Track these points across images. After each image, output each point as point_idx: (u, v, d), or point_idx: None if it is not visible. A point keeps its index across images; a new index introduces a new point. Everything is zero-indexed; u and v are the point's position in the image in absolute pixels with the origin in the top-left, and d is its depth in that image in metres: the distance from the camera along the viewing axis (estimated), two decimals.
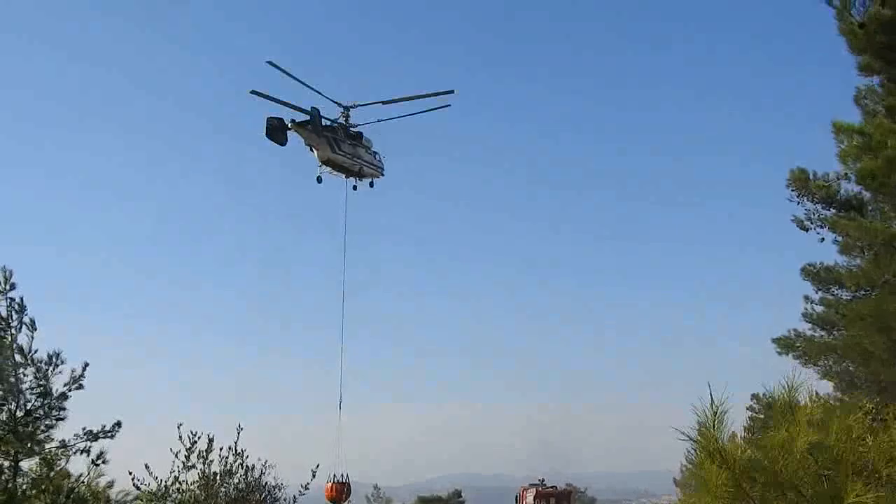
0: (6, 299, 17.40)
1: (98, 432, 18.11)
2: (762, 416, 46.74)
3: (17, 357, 17.37)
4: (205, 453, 18.54)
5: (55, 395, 17.59)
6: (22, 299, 17.64)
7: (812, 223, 24.61)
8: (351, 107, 29.77)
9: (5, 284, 17.38)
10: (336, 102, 29.57)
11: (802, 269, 25.56)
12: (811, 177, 24.57)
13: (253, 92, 26.86)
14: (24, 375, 17.40)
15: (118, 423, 18.41)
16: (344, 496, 26.45)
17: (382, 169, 31.91)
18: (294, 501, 19.53)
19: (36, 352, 17.71)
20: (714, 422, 7.66)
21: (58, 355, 17.75)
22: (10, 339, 17.41)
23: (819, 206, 24.63)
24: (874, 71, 17.59)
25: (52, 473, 17.00)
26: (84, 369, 17.90)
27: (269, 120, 27.50)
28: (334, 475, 26.39)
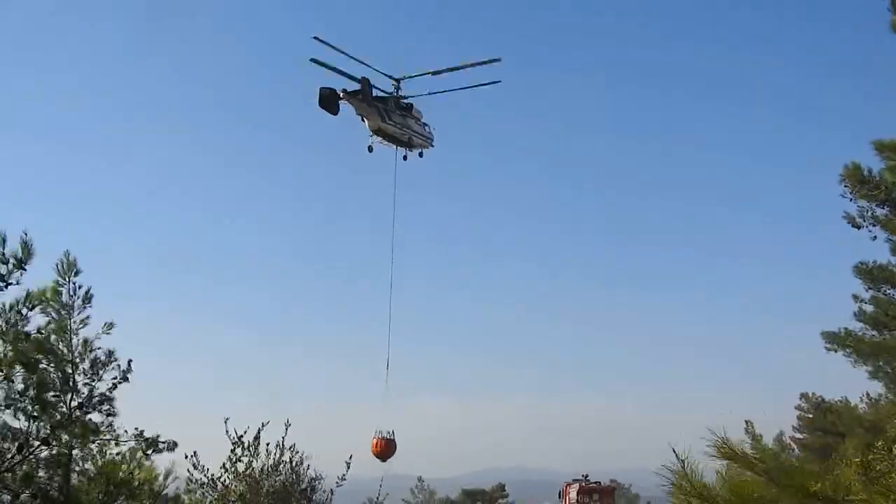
0: (70, 284, 17.55)
1: (153, 441, 18.27)
2: (811, 416, 46.26)
3: (78, 348, 17.51)
4: (251, 447, 18.78)
5: (104, 389, 17.76)
6: (89, 290, 17.74)
7: (864, 221, 24.27)
8: (402, 79, 30.27)
9: (69, 270, 17.53)
10: (387, 75, 30.07)
11: (855, 267, 25.23)
12: (865, 174, 24.21)
13: (313, 60, 27.51)
14: (80, 366, 17.52)
15: (175, 443, 18.51)
16: (389, 452, 26.74)
17: (432, 140, 32.41)
18: (332, 494, 19.62)
19: (97, 347, 17.82)
20: (685, 465, 7.47)
21: (111, 353, 17.94)
22: (69, 326, 17.55)
23: (872, 204, 24.27)
24: None
25: (102, 462, 17.27)
26: (129, 364, 18.05)
27: (322, 90, 27.98)
28: (379, 431, 26.74)
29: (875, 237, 24.27)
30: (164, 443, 18.35)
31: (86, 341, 17.78)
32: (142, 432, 18.17)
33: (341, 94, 28.19)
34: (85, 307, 17.82)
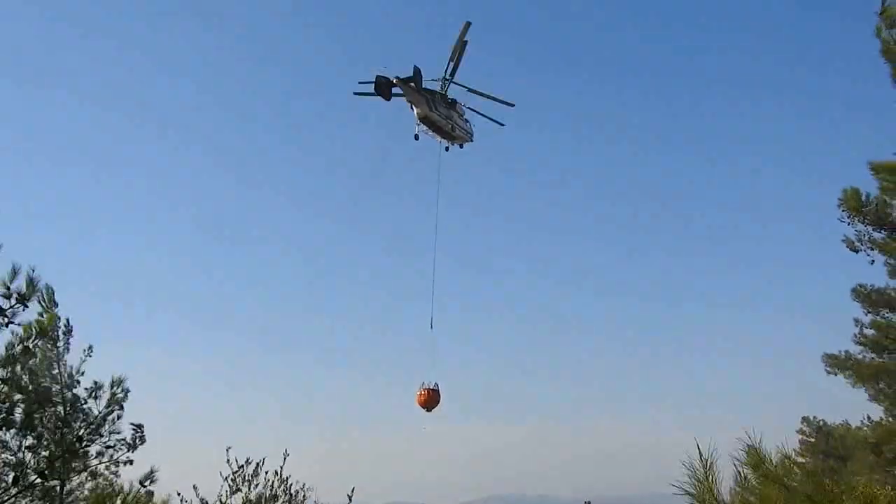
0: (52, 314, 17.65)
1: (134, 438, 18.29)
2: (813, 440, 46.12)
3: (66, 379, 17.57)
4: (251, 477, 18.54)
5: (98, 418, 17.81)
6: (69, 321, 17.89)
7: (862, 245, 24.42)
8: (448, 80, 32.94)
9: (50, 302, 17.61)
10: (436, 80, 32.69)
11: (853, 290, 25.36)
12: (863, 199, 24.39)
13: (356, 94, 30.78)
14: (71, 397, 17.59)
15: (140, 427, 18.60)
16: (433, 402, 27.53)
17: (472, 135, 34.81)
18: None
19: (83, 374, 17.92)
20: (707, 475, 7.29)
21: (118, 382, 18.09)
22: (56, 359, 17.62)
23: (870, 229, 24.43)
24: None
25: (98, 491, 17.18)
26: (126, 393, 18.20)
27: (378, 77, 30.40)
28: (424, 383, 27.72)
29: (873, 261, 24.42)
30: (139, 437, 18.36)
31: (75, 371, 17.86)
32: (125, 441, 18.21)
33: (395, 81, 30.44)
34: (68, 338, 17.94)
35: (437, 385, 28.60)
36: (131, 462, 18.01)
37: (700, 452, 7.33)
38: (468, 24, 31.21)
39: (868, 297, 25.02)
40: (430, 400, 28.40)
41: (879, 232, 24.06)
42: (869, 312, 25.25)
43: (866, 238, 24.25)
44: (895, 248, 22.74)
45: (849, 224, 24.85)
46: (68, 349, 17.77)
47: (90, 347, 17.80)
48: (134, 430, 18.20)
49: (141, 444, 18.24)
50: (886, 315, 24.75)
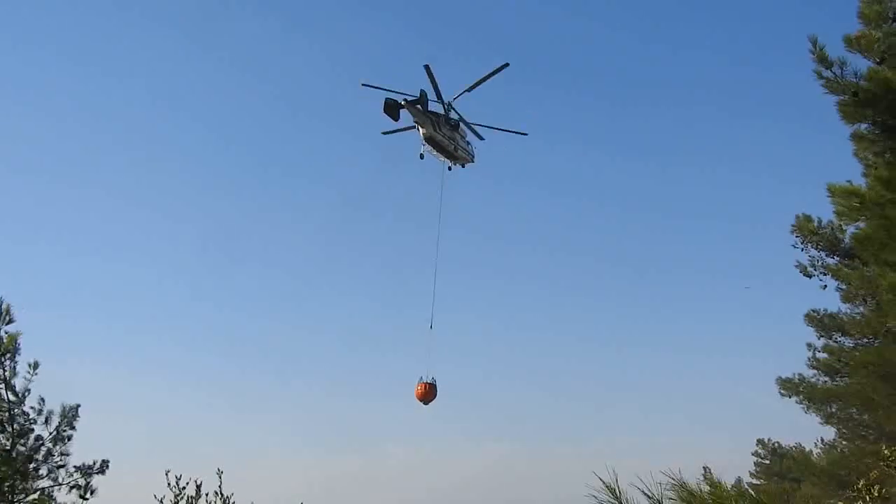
0: (3, 332, 17.34)
1: (90, 468, 18.11)
2: (767, 462, 46.66)
3: (10, 395, 17.25)
4: (193, 500, 18.28)
5: (48, 437, 17.58)
6: (16, 339, 17.62)
7: (815, 270, 24.93)
8: (451, 103, 34.89)
9: (2, 317, 17.28)
10: (439, 100, 34.44)
11: (806, 315, 25.83)
12: (816, 224, 24.91)
13: (364, 84, 32.32)
14: (17, 415, 17.29)
15: (106, 462, 18.44)
16: (431, 396, 30.15)
17: (473, 156, 37.09)
18: None
19: (28, 392, 17.65)
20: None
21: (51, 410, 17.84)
22: (2, 374, 17.30)
23: (823, 254, 24.96)
24: (870, 141, 17.52)
25: None
26: (76, 412, 18.00)
27: (387, 99, 32.41)
28: (421, 377, 30.18)
29: (825, 286, 24.94)
30: (98, 470, 18.13)
31: (21, 387, 17.59)
32: (84, 465, 17.98)
33: (403, 103, 32.50)
34: (13, 356, 17.64)
35: (433, 380, 30.48)
36: (81, 488, 17.87)
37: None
38: (506, 65, 33.16)
39: (821, 322, 25.49)
40: (428, 393, 30.04)
41: (833, 258, 24.60)
42: (822, 336, 25.76)
43: (819, 263, 24.78)
44: (848, 274, 23.22)
45: (802, 250, 25.40)
46: (15, 366, 17.48)
47: (36, 364, 17.53)
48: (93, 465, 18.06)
49: (99, 474, 18.08)
50: (839, 339, 25.25)
